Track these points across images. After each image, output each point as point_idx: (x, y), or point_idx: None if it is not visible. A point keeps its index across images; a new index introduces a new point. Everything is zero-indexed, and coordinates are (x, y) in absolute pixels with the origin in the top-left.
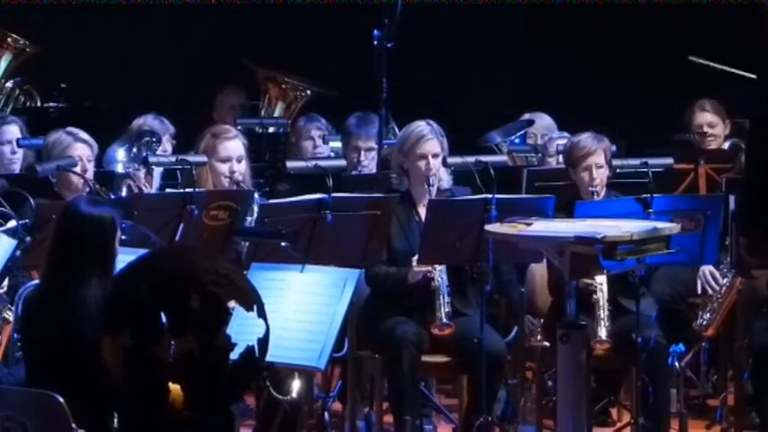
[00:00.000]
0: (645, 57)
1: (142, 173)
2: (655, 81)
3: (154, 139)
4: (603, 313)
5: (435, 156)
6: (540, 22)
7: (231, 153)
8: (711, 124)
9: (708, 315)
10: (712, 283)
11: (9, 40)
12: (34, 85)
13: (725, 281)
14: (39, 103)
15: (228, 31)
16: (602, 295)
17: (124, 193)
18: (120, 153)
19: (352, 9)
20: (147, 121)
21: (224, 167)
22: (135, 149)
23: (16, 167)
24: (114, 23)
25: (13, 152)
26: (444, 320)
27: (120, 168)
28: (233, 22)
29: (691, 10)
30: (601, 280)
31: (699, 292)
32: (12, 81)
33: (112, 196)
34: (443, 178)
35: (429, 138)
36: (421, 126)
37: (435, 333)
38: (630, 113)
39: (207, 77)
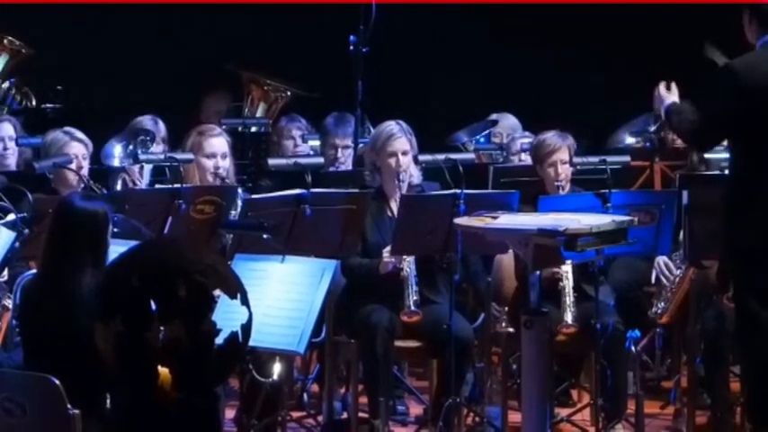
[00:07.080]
0: (604, 58)
1: (137, 168)
2: (614, 82)
3: (149, 138)
4: (569, 299)
5: (405, 153)
6: (505, 27)
7: (216, 150)
8: None
9: (662, 304)
10: (666, 272)
11: (5, 41)
12: (31, 87)
13: (678, 271)
14: (34, 104)
15: (215, 35)
16: (567, 283)
17: (119, 186)
18: (117, 148)
19: (330, 16)
20: (143, 121)
21: (209, 163)
22: (131, 146)
23: (10, 162)
24: (107, 29)
25: (6, 148)
26: (413, 308)
27: (116, 162)
28: (219, 28)
29: (652, 10)
30: (566, 269)
31: (653, 281)
32: (8, 82)
33: (105, 191)
34: (414, 174)
35: (398, 136)
36: (390, 125)
37: (404, 320)
38: (590, 113)
39: (195, 80)
